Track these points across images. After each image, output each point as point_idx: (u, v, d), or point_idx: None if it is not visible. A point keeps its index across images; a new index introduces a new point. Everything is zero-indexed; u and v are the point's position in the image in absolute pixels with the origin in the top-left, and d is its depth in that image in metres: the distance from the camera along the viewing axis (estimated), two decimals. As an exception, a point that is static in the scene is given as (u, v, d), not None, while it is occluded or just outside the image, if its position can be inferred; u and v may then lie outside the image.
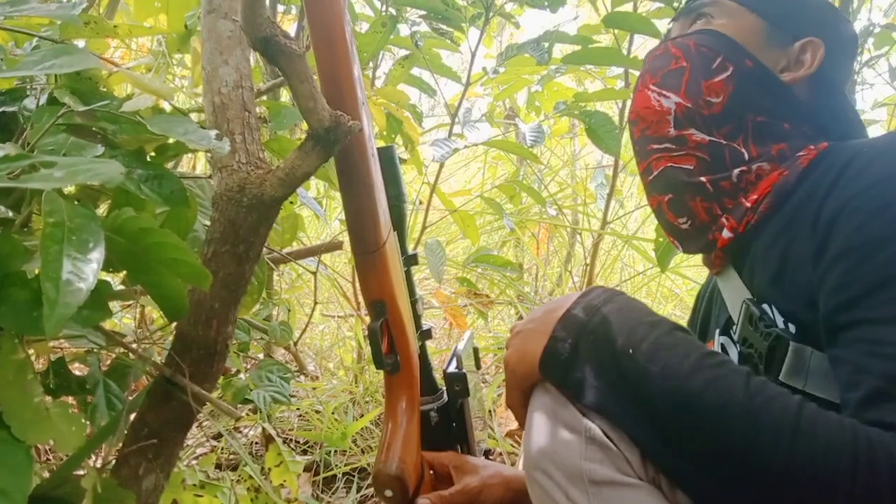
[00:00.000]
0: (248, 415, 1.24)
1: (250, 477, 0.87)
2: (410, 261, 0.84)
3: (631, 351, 0.51)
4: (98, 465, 0.84)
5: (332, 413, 1.31)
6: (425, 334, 0.87)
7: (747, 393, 0.47)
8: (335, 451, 1.24)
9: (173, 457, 0.75)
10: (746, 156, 0.70)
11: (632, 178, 1.98)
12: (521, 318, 1.88)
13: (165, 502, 0.79)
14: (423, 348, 0.86)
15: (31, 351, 1.08)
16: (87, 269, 0.54)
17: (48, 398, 0.56)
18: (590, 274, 1.72)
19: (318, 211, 0.97)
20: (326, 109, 0.61)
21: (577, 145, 2.04)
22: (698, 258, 0.81)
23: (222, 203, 0.68)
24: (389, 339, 0.78)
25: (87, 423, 0.82)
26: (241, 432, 1.30)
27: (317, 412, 1.36)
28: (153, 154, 0.77)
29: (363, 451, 1.24)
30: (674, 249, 1.32)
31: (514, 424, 1.40)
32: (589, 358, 0.54)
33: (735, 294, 0.70)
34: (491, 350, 1.69)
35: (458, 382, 0.85)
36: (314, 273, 1.11)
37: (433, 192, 1.31)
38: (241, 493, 0.93)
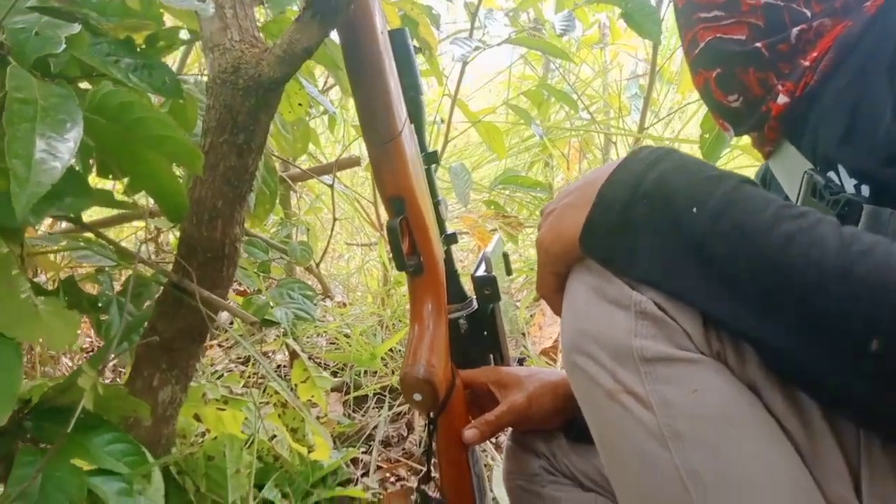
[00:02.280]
0: (275, 338, 1.21)
1: (276, 392, 0.84)
2: (431, 158, 0.77)
3: (695, 210, 0.44)
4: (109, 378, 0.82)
5: (361, 335, 1.28)
6: (450, 238, 0.81)
7: (841, 243, 0.40)
8: (365, 372, 1.21)
9: (189, 369, 0.72)
10: (809, 13, 0.60)
11: (668, 87, 1.85)
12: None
13: (186, 416, 0.76)
14: (448, 253, 0.80)
15: (41, 271, 1.05)
16: (63, 147, 0.48)
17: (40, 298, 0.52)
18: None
19: (330, 108, 0.90)
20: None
21: (608, 56, 1.90)
22: (745, 160, 0.72)
23: (216, 87, 0.61)
24: (411, 239, 0.72)
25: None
26: (269, 357, 1.28)
27: (346, 336, 1.32)
28: (142, 46, 0.70)
29: (393, 372, 1.21)
30: (721, 144, 1.22)
31: (549, 342, 1.35)
32: (642, 223, 0.46)
33: (793, 170, 0.62)
34: (522, 272, 1.63)
35: (487, 286, 0.79)
36: (331, 187, 1.05)
37: (454, 102, 1.23)
38: (268, 412, 0.90)
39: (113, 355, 0.71)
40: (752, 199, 0.43)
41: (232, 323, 1.35)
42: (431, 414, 0.72)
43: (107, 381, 0.86)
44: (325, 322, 1.37)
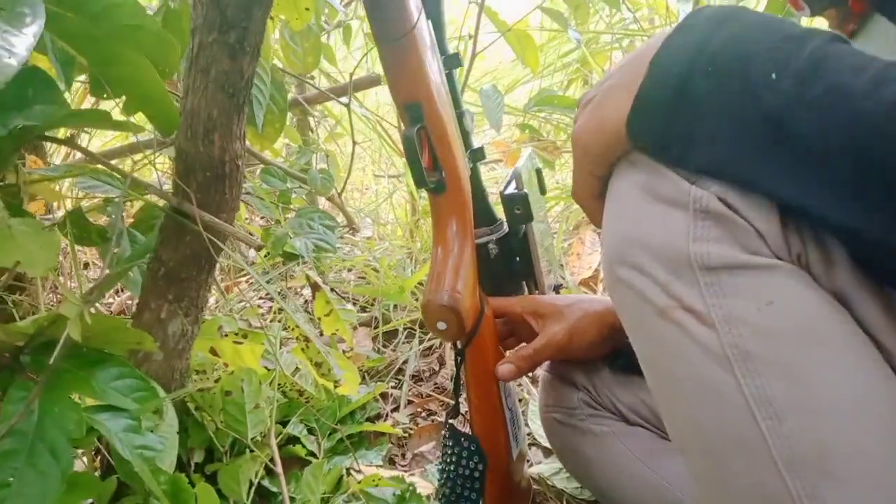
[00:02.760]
0: (301, 273, 1.17)
1: (296, 326, 0.79)
2: (452, 61, 0.68)
3: (774, 75, 0.34)
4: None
5: (389, 269, 1.22)
6: (477, 154, 0.72)
7: None
8: (395, 307, 1.16)
9: (199, 300, 0.67)
10: None
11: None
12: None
13: (202, 350, 0.72)
14: (474, 171, 0.72)
15: (56, 207, 1.01)
16: (20, 42, 0.42)
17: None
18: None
19: (340, 8, 0.81)
20: None
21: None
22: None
23: (199, -25, 0.54)
24: (431, 152, 0.64)
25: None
26: (296, 292, 1.24)
27: (374, 270, 1.27)
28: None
29: (424, 305, 1.16)
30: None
31: (588, 272, 1.27)
32: (705, 96, 0.37)
33: (886, 48, 0.51)
34: (559, 199, 1.53)
35: (518, 204, 0.71)
36: (347, 107, 0.97)
37: (481, 9, 1.11)
38: (292, 348, 0.86)
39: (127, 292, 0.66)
40: (846, 58, 0.34)
41: (255, 259, 1.32)
42: (459, 344, 0.66)
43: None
44: (352, 256, 1.32)
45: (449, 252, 0.65)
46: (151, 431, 0.64)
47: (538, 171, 0.78)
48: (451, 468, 0.66)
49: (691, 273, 0.38)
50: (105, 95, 0.70)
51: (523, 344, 0.71)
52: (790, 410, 0.35)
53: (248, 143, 0.90)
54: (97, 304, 1.05)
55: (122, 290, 1.23)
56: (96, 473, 0.70)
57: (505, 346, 0.79)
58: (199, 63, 0.56)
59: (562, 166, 1.66)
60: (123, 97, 0.62)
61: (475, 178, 0.72)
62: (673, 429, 0.43)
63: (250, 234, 0.69)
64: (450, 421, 0.68)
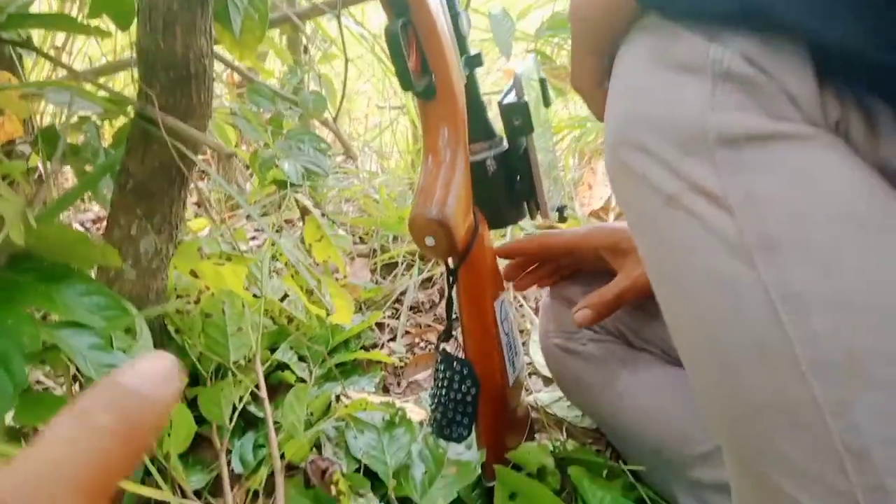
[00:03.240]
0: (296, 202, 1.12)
1: (282, 254, 0.75)
2: (444, -50, 0.61)
3: None
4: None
5: (389, 199, 1.17)
6: (474, 60, 0.66)
7: None
8: (395, 238, 1.12)
9: (173, 217, 0.63)
10: None
11: None
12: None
13: (182, 271, 0.69)
14: (471, 79, 0.66)
15: (7, 111, 0.97)
16: None
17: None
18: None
19: None
20: None
21: None
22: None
23: None
24: (419, 53, 0.58)
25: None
26: (293, 225, 1.20)
27: (375, 202, 1.22)
28: None
29: (424, 236, 1.11)
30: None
31: (599, 202, 1.21)
32: None
33: None
34: (571, 128, 1.46)
35: (517, 115, 0.65)
36: (337, 17, 0.90)
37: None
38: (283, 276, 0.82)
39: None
40: None
41: (248, 189, 1.27)
42: (451, 263, 0.62)
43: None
44: (350, 185, 1.27)
45: (440, 163, 0.59)
46: (124, 352, 0.60)
47: (542, 81, 0.72)
48: (443, 392, 0.62)
49: (705, 148, 0.31)
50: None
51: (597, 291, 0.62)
52: (819, 305, 0.30)
53: (230, 55, 0.83)
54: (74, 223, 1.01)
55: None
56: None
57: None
58: (152, -58, 0.50)
59: (574, 96, 1.58)
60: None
61: (472, 86, 0.66)
62: (681, 339, 0.37)
63: (234, 155, 0.64)
64: (442, 345, 0.64)
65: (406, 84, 0.57)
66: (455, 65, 0.61)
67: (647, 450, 0.59)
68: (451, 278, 0.62)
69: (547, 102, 0.73)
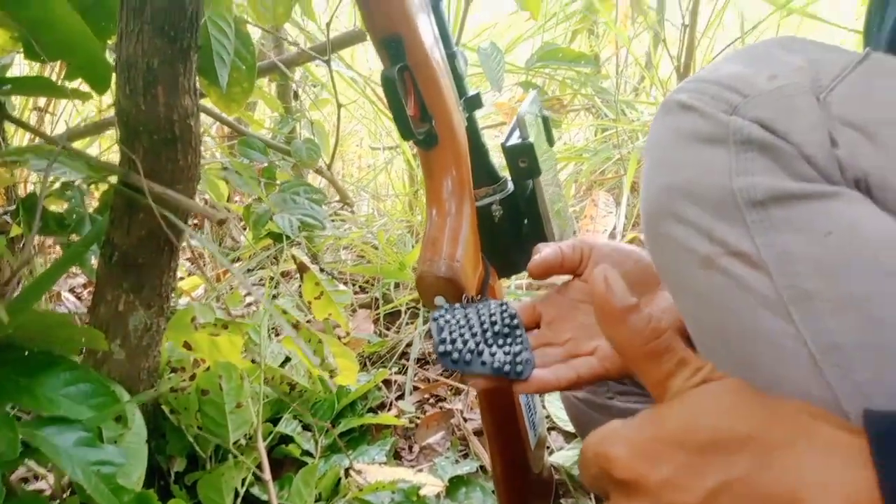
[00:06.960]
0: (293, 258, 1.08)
1: (285, 312, 0.70)
2: (438, -8, 0.58)
3: None
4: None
5: (388, 245, 1.13)
6: (473, 102, 0.63)
7: None
8: (397, 286, 1.07)
9: (163, 288, 0.58)
10: None
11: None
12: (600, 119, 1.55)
13: (175, 344, 0.64)
14: (471, 121, 0.62)
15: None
16: None
17: None
18: (690, 37, 1.37)
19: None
20: None
21: None
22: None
23: None
24: (417, 98, 0.54)
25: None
26: (292, 277, 1.15)
27: (374, 248, 1.18)
28: None
29: (427, 282, 1.06)
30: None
31: (603, 236, 1.17)
32: None
33: None
34: (569, 159, 1.43)
35: (523, 156, 0.61)
36: (327, 62, 0.87)
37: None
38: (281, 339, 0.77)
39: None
40: None
41: (242, 243, 1.23)
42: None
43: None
44: (348, 234, 1.23)
45: (445, 214, 0.56)
46: (115, 443, 0.55)
47: (545, 120, 0.68)
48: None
49: (736, 212, 0.32)
50: (42, 59, 0.62)
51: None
52: (861, 355, 0.29)
53: (218, 110, 0.80)
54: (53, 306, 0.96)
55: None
56: (65, 495, 0.62)
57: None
58: (128, 0, 0.46)
59: (569, 124, 1.56)
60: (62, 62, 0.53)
61: (472, 129, 0.62)
62: None
63: (227, 210, 0.60)
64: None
65: (406, 133, 0.54)
66: (455, 108, 0.57)
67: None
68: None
69: (550, 142, 0.70)
